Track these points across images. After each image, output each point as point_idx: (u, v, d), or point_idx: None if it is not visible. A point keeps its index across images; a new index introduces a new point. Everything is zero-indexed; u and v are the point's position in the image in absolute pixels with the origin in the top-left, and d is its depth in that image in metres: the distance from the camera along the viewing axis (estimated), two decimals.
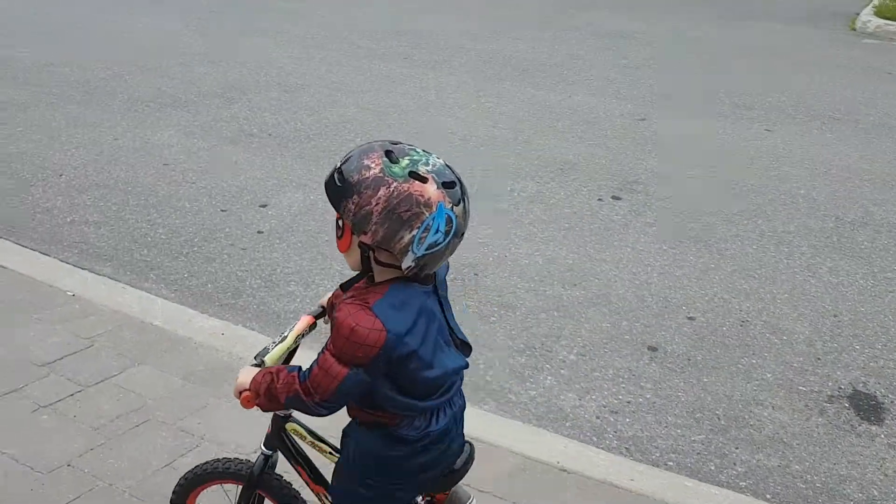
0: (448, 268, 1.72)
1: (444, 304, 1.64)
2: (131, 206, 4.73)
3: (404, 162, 1.49)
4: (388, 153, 1.50)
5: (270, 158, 5.56)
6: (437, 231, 1.48)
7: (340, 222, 1.56)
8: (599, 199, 4.98)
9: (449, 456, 1.71)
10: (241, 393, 1.67)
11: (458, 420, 1.71)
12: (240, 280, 3.98)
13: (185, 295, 3.82)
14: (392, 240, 1.48)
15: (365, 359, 1.49)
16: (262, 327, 3.57)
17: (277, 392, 1.61)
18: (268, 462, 1.89)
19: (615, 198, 5.01)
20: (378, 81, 7.52)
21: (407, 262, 1.50)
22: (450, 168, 1.54)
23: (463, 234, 1.54)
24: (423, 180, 1.47)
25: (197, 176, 5.21)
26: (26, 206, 4.66)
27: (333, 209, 1.55)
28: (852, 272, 4.12)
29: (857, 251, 4.35)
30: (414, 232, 1.47)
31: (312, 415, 1.61)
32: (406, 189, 1.46)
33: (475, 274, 4.05)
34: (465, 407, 1.74)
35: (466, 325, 2.16)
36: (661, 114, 6.67)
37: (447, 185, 1.50)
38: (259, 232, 4.49)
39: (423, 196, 1.46)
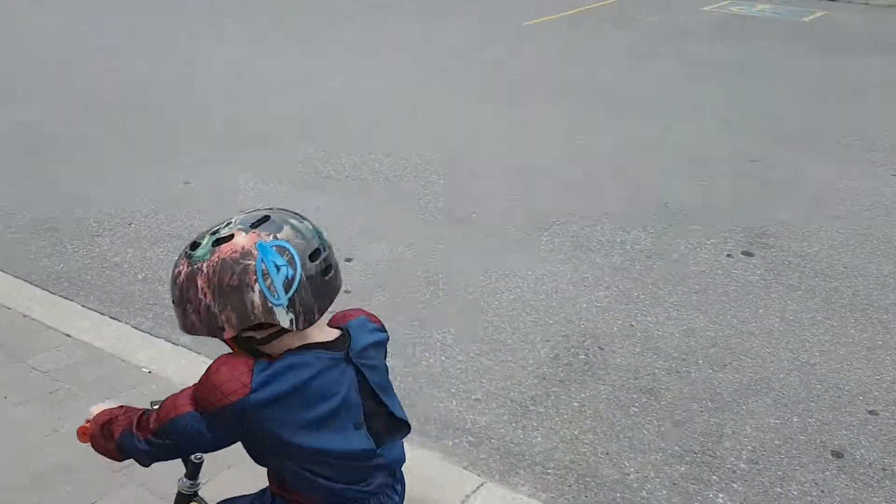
0: (379, 336, 1.54)
1: (367, 372, 1.44)
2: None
3: (205, 239, 1.37)
4: (191, 245, 1.39)
5: (349, 203, 5.11)
6: (277, 268, 1.34)
7: (212, 341, 1.45)
8: (729, 256, 4.38)
9: None
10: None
11: None
12: None
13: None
14: (247, 311, 1.34)
15: (212, 406, 1.35)
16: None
17: (115, 426, 1.47)
18: None
19: (746, 253, 4.41)
20: (454, 113, 7.07)
21: (283, 318, 1.35)
22: (264, 210, 1.41)
23: (324, 253, 1.38)
24: (228, 238, 1.35)
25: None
26: (93, 259, 4.25)
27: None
28: None
29: None
30: (256, 287, 1.33)
31: (137, 460, 1.46)
32: (216, 259, 1.33)
33: (600, 348, 3.49)
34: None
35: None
36: (774, 153, 6.05)
37: (257, 223, 1.36)
38: (346, 292, 4.01)
39: (235, 251, 1.34)
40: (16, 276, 3.95)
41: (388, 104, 7.39)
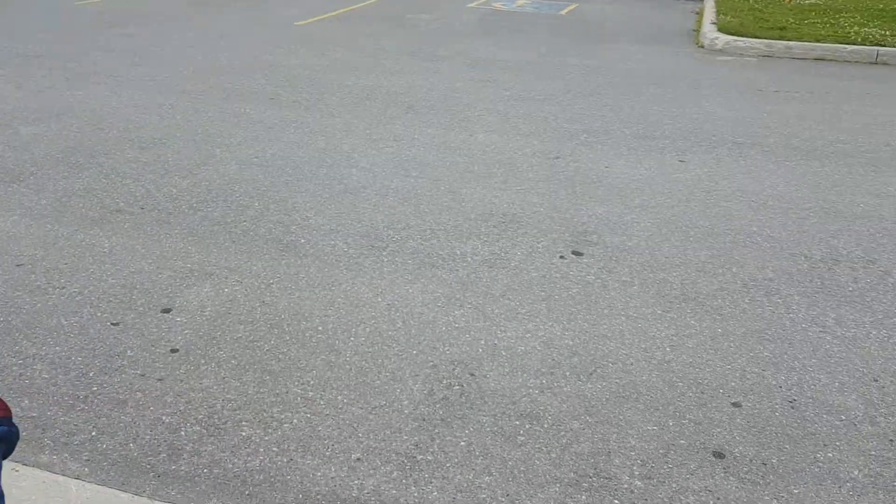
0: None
1: None
2: None
3: None
4: None
5: (153, 241, 4.49)
6: None
7: None
8: (561, 257, 4.44)
9: None
10: None
11: None
12: (171, 430, 2.98)
13: (102, 467, 2.77)
14: None
15: None
16: (232, 503, 2.64)
17: None
18: None
19: (576, 253, 4.49)
20: (252, 128, 6.55)
21: None
22: None
23: None
24: None
25: (66, 278, 4.04)
26: None
27: None
28: (859, 321, 3.85)
29: (847, 295, 4.11)
30: None
31: None
32: None
33: (471, 374, 3.34)
34: None
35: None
36: (569, 149, 6.29)
37: None
38: (173, 351, 3.48)
39: None
40: None
41: (160, 117, 6.69)
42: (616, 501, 2.69)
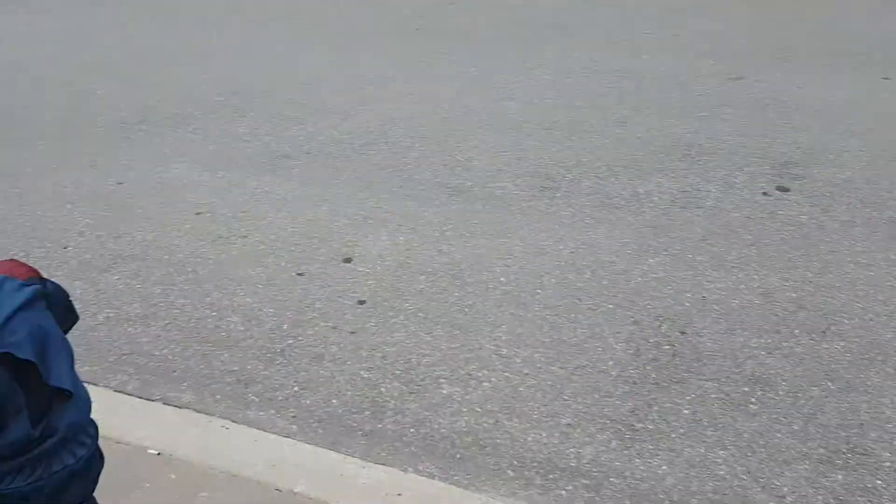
0: (23, 294, 1.23)
1: (19, 350, 1.19)
2: (179, 284, 3.54)
3: None
4: None
5: (323, 187, 4.40)
6: None
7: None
8: (765, 194, 3.98)
9: None
10: None
11: (69, 477, 1.26)
12: (371, 386, 2.88)
13: (310, 425, 2.71)
14: None
15: None
16: (443, 470, 2.51)
17: None
18: None
19: (781, 189, 4.02)
20: (405, 65, 6.33)
21: None
22: None
23: None
24: None
25: (245, 226, 4.02)
26: None
27: None
28: None
29: None
30: None
31: None
32: None
33: (681, 332, 3.02)
34: (88, 465, 1.29)
35: None
36: (752, 69, 5.68)
37: None
38: (360, 302, 3.38)
39: None
40: None
41: (307, 58, 6.58)
42: (878, 482, 2.35)
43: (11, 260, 1.42)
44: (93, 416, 2.84)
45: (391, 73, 6.13)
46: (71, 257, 3.76)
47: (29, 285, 1.33)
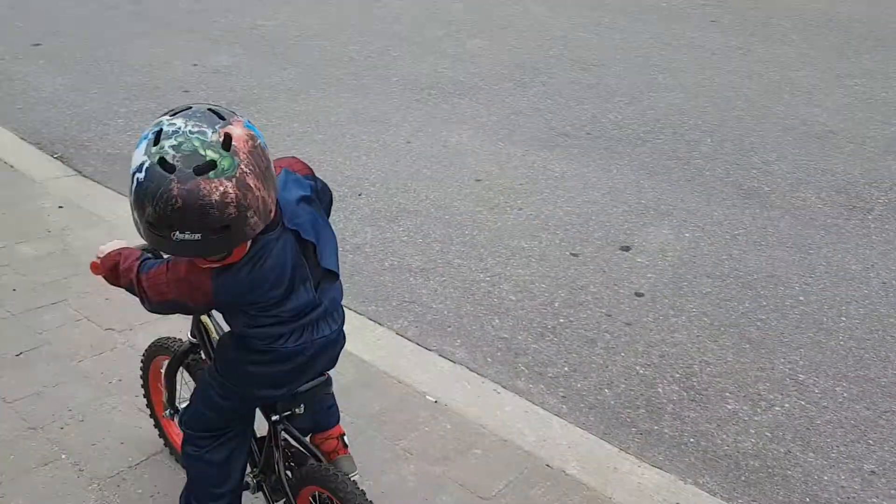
0: (305, 186, 1.59)
1: (303, 231, 1.54)
2: (457, 245, 3.63)
3: (209, 153, 1.33)
4: (199, 169, 1.32)
5: (603, 170, 4.29)
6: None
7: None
8: None
9: (294, 377, 1.68)
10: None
11: (322, 347, 1.65)
12: (647, 384, 2.74)
13: (580, 409, 2.64)
14: (277, 184, 1.44)
15: (189, 302, 1.53)
16: (726, 490, 2.30)
17: (120, 272, 1.63)
18: (191, 348, 2.00)
19: None
20: (693, 53, 6.01)
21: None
22: (188, 104, 1.41)
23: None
24: (229, 137, 1.35)
25: (522, 198, 4.03)
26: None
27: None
28: None
29: None
30: (271, 158, 1.45)
31: (145, 308, 1.60)
32: (243, 156, 1.35)
33: None
34: (336, 340, 1.70)
35: None
36: None
37: (221, 115, 1.38)
38: (638, 294, 3.24)
39: (247, 141, 1.38)
40: None
41: (598, 36, 6.43)
42: None
43: (293, 157, 1.68)
44: (379, 353, 3.00)
45: (682, 62, 5.84)
46: (364, 204, 3.99)
47: (308, 179, 1.62)
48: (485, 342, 2.96)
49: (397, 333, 2.98)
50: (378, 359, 2.80)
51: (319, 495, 1.78)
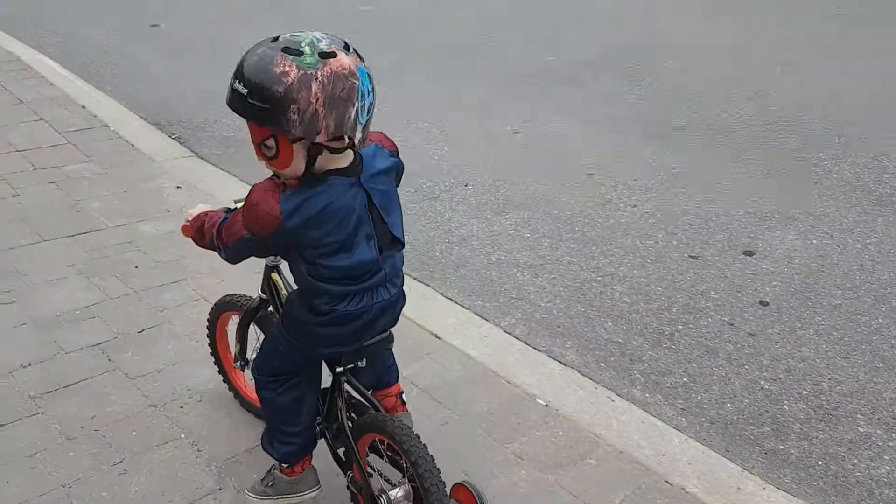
0: (390, 161, 1.71)
1: (375, 196, 1.64)
2: (566, 241, 3.53)
3: (306, 49, 1.46)
4: (286, 50, 1.46)
5: (718, 167, 4.08)
6: (368, 93, 1.52)
7: (271, 141, 1.53)
8: None
9: (356, 337, 1.77)
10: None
11: (382, 310, 1.75)
12: (772, 400, 2.59)
13: (700, 422, 2.52)
14: (343, 123, 1.49)
15: (259, 233, 1.60)
16: None
17: (205, 230, 1.76)
18: (262, 303, 2.12)
19: None
20: (815, 47, 5.67)
21: (359, 136, 1.54)
22: (334, 35, 1.52)
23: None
24: (333, 55, 1.47)
25: (636, 194, 3.89)
26: (437, 230, 3.65)
27: (256, 135, 1.54)
28: None
29: None
30: (356, 104, 1.49)
31: (223, 258, 1.73)
32: (329, 71, 1.45)
33: None
34: (396, 302, 1.77)
35: None
36: None
37: (347, 47, 1.50)
38: (762, 303, 3.06)
39: (344, 69, 1.47)
40: None
41: (706, 32, 6.14)
42: None
43: (381, 133, 1.76)
44: (485, 350, 2.93)
45: (805, 56, 5.52)
46: (471, 195, 3.94)
47: (394, 157, 1.74)
48: (597, 346, 2.85)
49: (505, 331, 2.91)
50: (484, 356, 2.74)
51: (379, 442, 1.85)
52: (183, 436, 2.28)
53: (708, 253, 3.38)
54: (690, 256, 3.37)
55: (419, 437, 1.73)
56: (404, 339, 2.79)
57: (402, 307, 1.83)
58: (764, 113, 4.67)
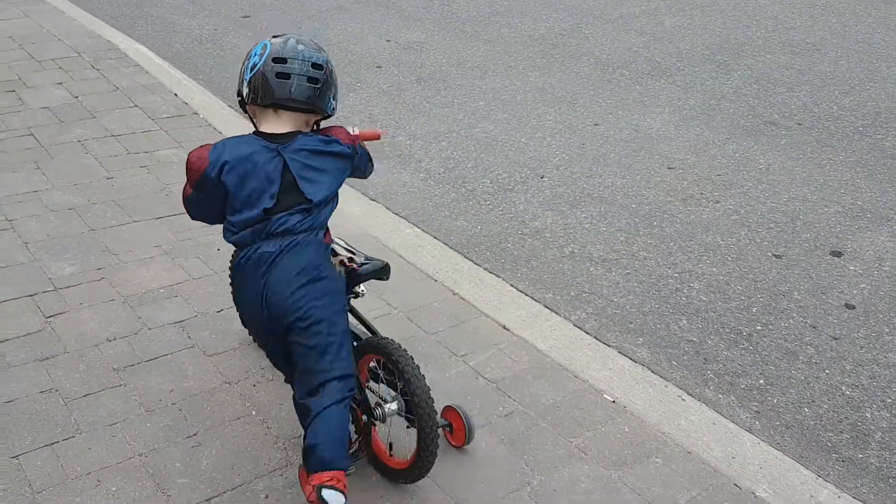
0: (330, 147, 1.94)
1: (292, 165, 1.90)
2: (643, 236, 3.46)
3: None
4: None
5: (814, 164, 3.91)
6: (252, 56, 1.93)
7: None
8: None
9: (253, 291, 1.91)
10: None
11: (262, 261, 1.90)
12: (854, 407, 2.46)
13: (775, 427, 2.42)
14: (240, 82, 1.97)
15: (194, 181, 1.91)
16: None
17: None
18: None
19: None
20: None
21: (244, 90, 1.93)
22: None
23: (288, 64, 1.89)
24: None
25: (719, 191, 3.77)
26: (511, 221, 3.63)
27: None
28: None
29: None
30: (246, 63, 1.94)
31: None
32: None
33: None
34: (281, 254, 1.89)
35: None
36: None
37: (279, 37, 1.97)
38: (848, 306, 2.92)
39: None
40: (438, 239, 3.46)
41: (812, 18, 5.85)
42: None
43: (343, 128, 2.01)
44: (554, 343, 2.89)
45: None
46: (546, 187, 3.90)
47: (339, 145, 1.96)
48: (670, 344, 2.79)
49: (574, 325, 2.88)
50: (553, 349, 2.71)
51: (378, 365, 2.09)
52: (254, 412, 2.36)
53: (793, 252, 3.24)
54: (774, 255, 3.24)
55: (413, 359, 1.99)
56: (473, 329, 2.81)
57: (308, 255, 1.92)
58: (861, 108, 4.44)
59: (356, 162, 2.02)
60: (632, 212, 3.63)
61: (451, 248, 3.37)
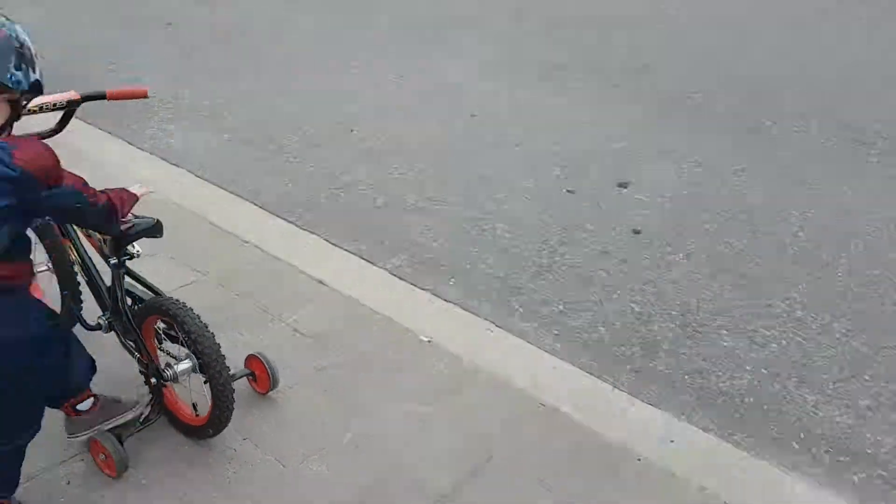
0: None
1: None
2: (451, 183, 3.56)
3: None
4: None
5: (599, 105, 4.18)
6: None
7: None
8: None
9: None
10: None
11: None
12: (642, 321, 2.69)
13: (575, 346, 2.60)
14: None
15: None
16: (720, 427, 2.27)
17: None
18: None
19: None
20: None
21: None
22: None
23: None
24: None
25: (520, 133, 3.94)
26: (322, 178, 3.58)
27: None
28: None
29: None
30: None
31: None
32: None
33: None
34: None
35: None
36: None
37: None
38: (635, 231, 3.19)
39: None
40: (247, 200, 3.36)
41: None
42: None
43: (44, 145, 1.58)
44: (370, 292, 2.90)
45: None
46: (356, 140, 3.90)
47: (7, 167, 1.50)
48: (479, 281, 2.91)
49: (390, 273, 2.93)
50: (369, 298, 2.75)
51: (164, 325, 2.04)
52: None
53: (584, 186, 3.48)
54: (567, 191, 3.46)
55: (193, 310, 1.94)
56: (288, 287, 2.79)
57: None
58: (640, 49, 4.79)
59: (38, 196, 1.54)
60: (440, 159, 3.73)
61: (260, 207, 3.30)
